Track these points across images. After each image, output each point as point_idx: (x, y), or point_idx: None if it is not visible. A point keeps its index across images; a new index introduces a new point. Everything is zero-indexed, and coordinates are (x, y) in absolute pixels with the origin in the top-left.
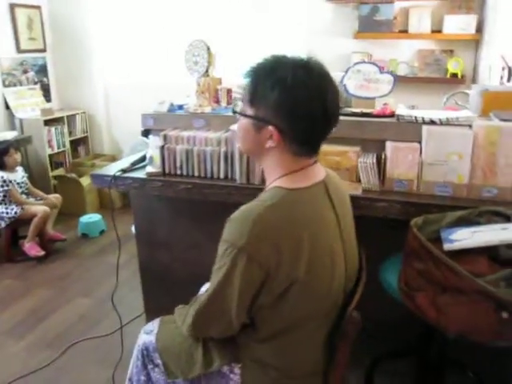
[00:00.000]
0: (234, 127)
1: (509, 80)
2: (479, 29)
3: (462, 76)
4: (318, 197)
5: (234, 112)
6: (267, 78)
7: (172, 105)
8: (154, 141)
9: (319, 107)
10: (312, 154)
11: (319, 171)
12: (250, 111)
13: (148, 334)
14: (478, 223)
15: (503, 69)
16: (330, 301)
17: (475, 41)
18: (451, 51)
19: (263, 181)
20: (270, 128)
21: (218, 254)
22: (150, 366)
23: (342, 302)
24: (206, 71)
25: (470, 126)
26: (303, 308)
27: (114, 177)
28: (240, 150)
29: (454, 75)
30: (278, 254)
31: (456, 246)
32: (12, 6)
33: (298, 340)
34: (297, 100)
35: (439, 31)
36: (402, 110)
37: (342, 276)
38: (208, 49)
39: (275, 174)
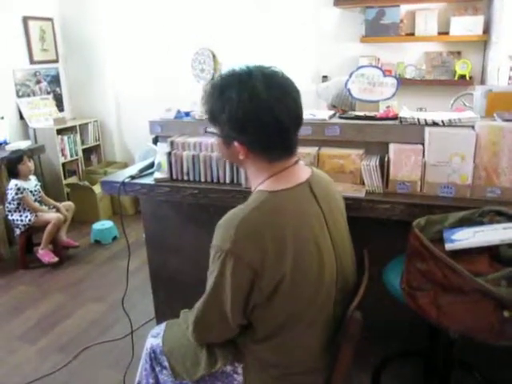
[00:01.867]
0: None
1: None
2: (486, 29)
3: (470, 77)
4: (301, 196)
5: (206, 131)
6: (217, 100)
7: (179, 112)
8: (162, 147)
9: (270, 117)
10: (286, 156)
11: (302, 171)
12: (215, 130)
13: (155, 337)
14: (480, 223)
15: (511, 69)
16: (323, 295)
17: (483, 42)
18: (458, 53)
19: None
20: (235, 143)
21: (210, 259)
22: (157, 369)
23: (336, 298)
24: (212, 78)
25: (473, 127)
26: (295, 304)
27: (123, 183)
28: None
29: (462, 77)
30: (262, 253)
31: (457, 245)
32: (25, 19)
33: (294, 337)
34: (245, 116)
35: (446, 33)
36: (404, 112)
37: (333, 270)
38: (214, 56)
39: (257, 180)
